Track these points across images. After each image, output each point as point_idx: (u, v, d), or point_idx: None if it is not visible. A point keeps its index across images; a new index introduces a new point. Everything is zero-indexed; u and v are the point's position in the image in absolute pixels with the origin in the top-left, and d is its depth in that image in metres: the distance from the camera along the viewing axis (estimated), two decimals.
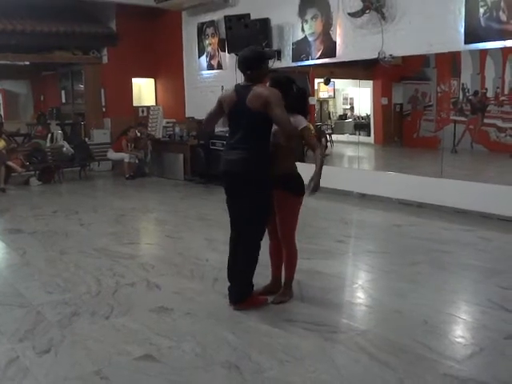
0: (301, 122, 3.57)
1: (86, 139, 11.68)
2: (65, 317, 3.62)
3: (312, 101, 12.94)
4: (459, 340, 3.26)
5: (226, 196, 3.73)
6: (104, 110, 12.29)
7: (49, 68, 14.17)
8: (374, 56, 7.43)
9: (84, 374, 2.85)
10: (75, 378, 2.81)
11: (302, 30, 8.67)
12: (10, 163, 9.38)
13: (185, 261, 4.92)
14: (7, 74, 14.50)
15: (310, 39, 8.57)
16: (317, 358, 2.99)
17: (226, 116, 3.69)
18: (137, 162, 10.60)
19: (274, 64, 8.93)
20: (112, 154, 10.77)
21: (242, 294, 3.69)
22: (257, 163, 3.51)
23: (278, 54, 8.95)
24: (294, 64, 8.87)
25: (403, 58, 7.89)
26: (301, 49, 8.72)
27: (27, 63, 12.87)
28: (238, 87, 3.62)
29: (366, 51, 7.58)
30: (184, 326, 3.47)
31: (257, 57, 3.58)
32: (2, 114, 15.76)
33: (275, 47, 8.98)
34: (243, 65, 3.56)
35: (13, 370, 2.90)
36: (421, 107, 12.36)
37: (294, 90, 3.69)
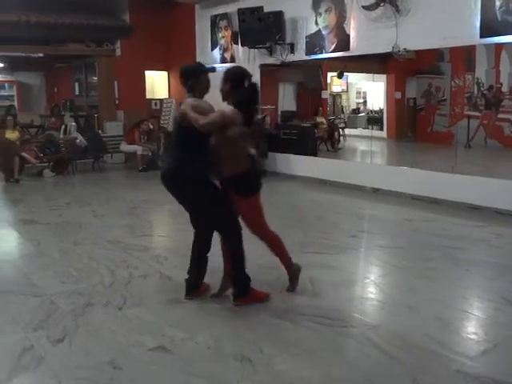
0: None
1: (100, 131, 11.75)
2: (78, 307, 3.66)
3: (324, 95, 12.95)
4: (472, 336, 3.25)
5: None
6: (117, 102, 12.34)
7: (63, 60, 14.24)
8: (388, 50, 7.36)
9: (97, 363, 2.89)
10: (89, 368, 2.85)
11: (316, 23, 8.61)
12: (23, 154, 9.46)
13: None
14: (21, 66, 14.61)
15: (324, 32, 8.51)
16: (328, 352, 3.00)
17: None
18: (150, 154, 10.64)
19: (288, 57, 8.94)
20: (125, 147, 10.83)
21: (239, 290, 3.69)
22: (190, 169, 3.55)
23: (292, 48, 8.92)
24: (308, 57, 8.83)
25: (417, 51, 7.82)
26: (314, 42, 8.67)
27: (41, 55, 12.93)
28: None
29: (380, 45, 7.51)
30: (197, 318, 3.50)
31: (193, 70, 3.99)
32: (16, 105, 15.93)
33: (288, 40, 8.94)
34: (181, 77, 3.91)
35: (27, 359, 2.94)
36: (434, 102, 12.28)
37: (245, 85, 3.68)
